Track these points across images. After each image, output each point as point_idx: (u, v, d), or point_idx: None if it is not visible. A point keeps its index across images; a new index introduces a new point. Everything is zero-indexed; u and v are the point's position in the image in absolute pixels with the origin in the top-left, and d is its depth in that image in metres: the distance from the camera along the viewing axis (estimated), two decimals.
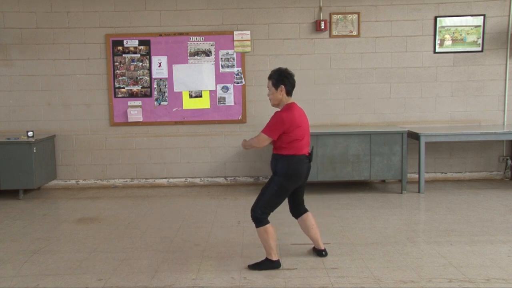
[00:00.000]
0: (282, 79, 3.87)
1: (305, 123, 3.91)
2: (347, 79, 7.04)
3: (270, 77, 3.94)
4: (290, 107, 3.86)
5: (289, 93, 3.91)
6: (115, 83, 7.00)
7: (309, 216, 4.13)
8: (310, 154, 3.97)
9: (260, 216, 3.80)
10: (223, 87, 6.99)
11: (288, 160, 3.83)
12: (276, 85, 3.88)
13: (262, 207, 3.81)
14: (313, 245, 4.23)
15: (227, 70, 6.99)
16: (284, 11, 6.95)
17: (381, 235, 4.69)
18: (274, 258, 3.87)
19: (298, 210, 4.14)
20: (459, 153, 7.20)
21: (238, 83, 7.01)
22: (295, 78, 3.96)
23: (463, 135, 6.38)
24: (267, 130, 3.84)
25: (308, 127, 3.98)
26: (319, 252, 4.15)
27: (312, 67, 7.00)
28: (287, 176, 3.82)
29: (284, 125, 3.77)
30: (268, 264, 3.87)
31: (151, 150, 7.14)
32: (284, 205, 4.12)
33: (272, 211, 3.87)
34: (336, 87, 7.05)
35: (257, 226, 3.84)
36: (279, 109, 3.93)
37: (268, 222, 3.83)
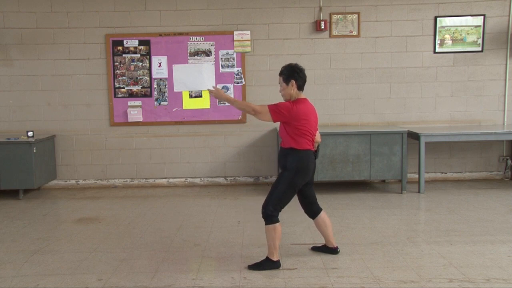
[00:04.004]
0: (292, 74, 3.89)
1: (312, 119, 3.91)
2: (347, 79, 7.04)
3: (281, 73, 3.95)
4: (301, 101, 3.88)
5: (300, 88, 3.93)
6: (115, 83, 7.00)
7: (325, 216, 4.15)
8: (317, 151, 4.02)
9: (271, 213, 3.80)
10: (223, 87, 6.98)
11: (299, 154, 3.85)
12: (287, 80, 3.89)
13: (274, 204, 3.80)
14: (321, 244, 4.24)
15: (227, 70, 6.99)
16: (284, 11, 6.95)
17: (381, 235, 4.69)
18: (275, 258, 3.87)
19: (314, 210, 4.13)
20: (459, 153, 7.20)
21: (238, 83, 7.00)
22: None
23: (463, 135, 6.38)
24: (273, 108, 3.82)
25: (316, 124, 3.99)
26: (333, 250, 4.17)
27: (312, 67, 6.99)
28: (297, 170, 3.83)
29: (288, 114, 3.79)
30: (269, 264, 3.86)
31: (151, 150, 7.14)
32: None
33: (283, 207, 3.87)
34: (336, 87, 7.05)
35: (266, 223, 3.82)
36: None
37: (278, 220, 3.83)
